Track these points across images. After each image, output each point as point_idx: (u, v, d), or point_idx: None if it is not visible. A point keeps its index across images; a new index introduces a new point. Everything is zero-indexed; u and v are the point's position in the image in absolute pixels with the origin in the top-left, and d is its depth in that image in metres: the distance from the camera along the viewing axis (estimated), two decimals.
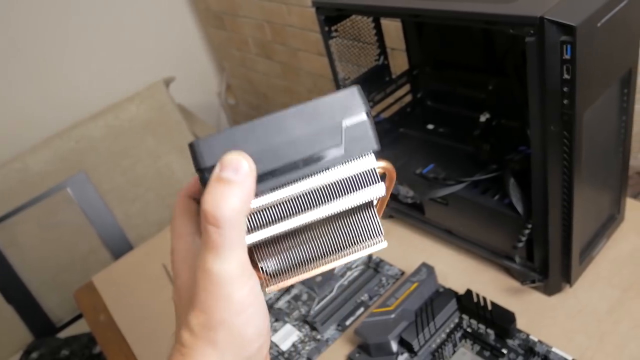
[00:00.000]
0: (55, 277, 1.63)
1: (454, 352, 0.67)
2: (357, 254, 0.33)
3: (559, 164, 0.59)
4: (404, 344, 0.68)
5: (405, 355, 0.68)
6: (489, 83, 0.83)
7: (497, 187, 0.73)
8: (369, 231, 0.32)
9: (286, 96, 1.91)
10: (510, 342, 0.66)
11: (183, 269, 0.32)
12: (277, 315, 0.80)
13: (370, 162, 0.31)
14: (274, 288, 0.32)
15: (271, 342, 0.77)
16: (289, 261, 0.32)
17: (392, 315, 0.69)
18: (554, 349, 0.64)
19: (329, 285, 0.82)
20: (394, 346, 0.68)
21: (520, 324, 0.67)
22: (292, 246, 0.32)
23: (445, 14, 0.60)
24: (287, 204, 0.30)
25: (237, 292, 0.29)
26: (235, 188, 0.28)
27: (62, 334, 1.65)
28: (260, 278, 0.32)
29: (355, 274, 0.83)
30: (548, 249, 0.66)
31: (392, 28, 1.04)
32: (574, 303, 0.69)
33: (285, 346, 0.76)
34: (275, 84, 1.92)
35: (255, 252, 0.32)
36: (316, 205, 0.30)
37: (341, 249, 0.32)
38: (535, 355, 0.64)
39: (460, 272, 0.79)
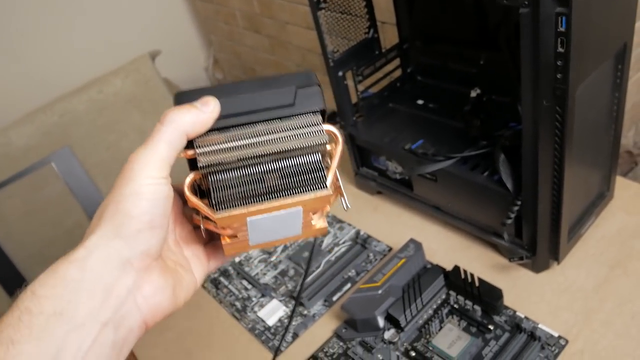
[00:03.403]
0: (41, 251, 1.61)
1: (441, 328, 0.67)
2: (301, 197, 0.37)
3: (550, 140, 0.58)
4: (391, 320, 0.68)
5: (392, 331, 0.68)
6: (481, 57, 0.81)
7: (486, 164, 0.72)
8: (313, 177, 0.37)
9: (274, 71, 1.89)
10: (497, 318, 0.66)
11: None
12: (263, 290, 0.80)
13: (315, 117, 0.38)
14: (223, 214, 0.36)
15: (257, 317, 0.76)
16: (235, 191, 0.36)
17: (379, 291, 0.69)
18: (540, 326, 0.64)
19: (316, 261, 0.81)
20: (381, 322, 0.68)
21: (508, 300, 0.67)
22: (242, 181, 0.36)
23: None
24: (239, 138, 0.36)
25: (142, 177, 0.34)
26: (195, 111, 0.35)
27: None
28: (203, 209, 0.37)
29: (343, 249, 0.83)
30: (537, 226, 0.66)
31: (383, 0, 1.02)
32: (562, 280, 0.69)
33: (271, 321, 0.75)
34: (263, 58, 1.89)
35: (209, 178, 0.36)
36: (264, 143, 0.36)
37: (286, 190, 0.37)
38: (521, 332, 0.64)
39: (448, 248, 0.78)
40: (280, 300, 0.78)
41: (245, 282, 0.82)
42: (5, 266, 1.59)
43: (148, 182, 0.34)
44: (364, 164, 0.91)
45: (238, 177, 0.36)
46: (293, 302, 0.77)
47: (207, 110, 0.35)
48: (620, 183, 0.77)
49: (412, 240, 0.75)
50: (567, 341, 0.62)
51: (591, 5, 0.51)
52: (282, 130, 0.37)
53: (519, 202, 0.66)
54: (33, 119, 1.59)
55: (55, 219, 1.63)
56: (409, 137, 0.82)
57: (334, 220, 0.89)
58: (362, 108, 0.89)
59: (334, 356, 0.68)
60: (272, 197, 0.37)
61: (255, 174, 0.36)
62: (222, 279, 0.84)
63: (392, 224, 0.85)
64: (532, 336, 0.63)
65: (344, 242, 0.84)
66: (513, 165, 0.67)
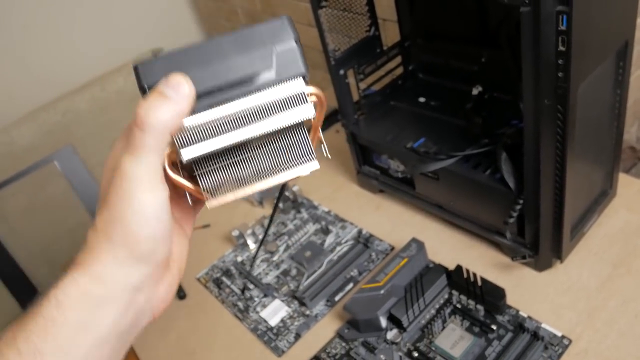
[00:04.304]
0: (44, 250, 1.62)
1: (443, 327, 0.67)
2: (291, 174, 0.36)
3: (552, 139, 0.57)
4: (393, 320, 0.68)
5: (395, 331, 0.68)
6: (482, 55, 0.81)
7: (488, 162, 0.72)
8: (301, 152, 0.36)
9: None
10: (499, 318, 0.66)
11: (108, 174, 0.35)
12: (265, 290, 0.79)
13: (299, 86, 0.35)
14: (214, 203, 0.35)
15: (260, 317, 0.76)
16: (225, 178, 0.35)
17: (382, 291, 0.69)
18: (543, 325, 0.64)
19: (318, 261, 0.81)
20: (383, 322, 0.68)
21: (510, 300, 0.67)
22: (229, 165, 0.35)
23: None
24: (221, 121, 0.33)
25: (141, 193, 0.32)
26: (170, 104, 0.32)
27: None
28: (198, 195, 0.36)
29: (345, 249, 0.82)
30: (539, 225, 0.66)
31: None
32: (564, 279, 0.69)
33: (274, 322, 0.75)
34: None
35: (195, 168, 0.35)
36: (248, 123, 0.33)
37: (275, 169, 0.35)
38: (524, 331, 0.63)
39: (451, 247, 0.78)
40: (283, 301, 0.78)
41: (247, 282, 0.82)
42: (8, 264, 1.59)
43: (149, 197, 0.32)
44: (365, 162, 0.91)
45: (224, 164, 0.35)
46: (295, 302, 0.77)
47: (182, 98, 0.32)
48: (623, 180, 0.77)
49: (414, 240, 0.74)
50: (570, 341, 0.62)
51: (592, 3, 0.51)
52: (265, 109, 0.34)
53: (521, 201, 0.66)
54: (35, 117, 1.60)
55: (57, 217, 1.63)
56: (411, 135, 0.81)
57: (336, 220, 0.89)
58: (363, 106, 0.88)
59: (337, 357, 0.68)
60: (261, 179, 0.35)
61: (241, 157, 0.35)
62: (224, 278, 0.84)
63: (394, 223, 0.85)
64: (536, 336, 0.62)
65: (346, 242, 0.84)
66: (515, 163, 0.67)
